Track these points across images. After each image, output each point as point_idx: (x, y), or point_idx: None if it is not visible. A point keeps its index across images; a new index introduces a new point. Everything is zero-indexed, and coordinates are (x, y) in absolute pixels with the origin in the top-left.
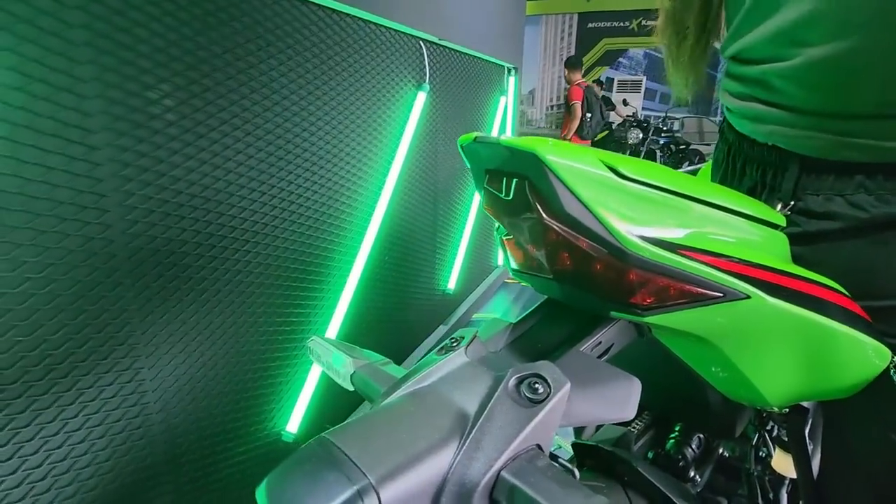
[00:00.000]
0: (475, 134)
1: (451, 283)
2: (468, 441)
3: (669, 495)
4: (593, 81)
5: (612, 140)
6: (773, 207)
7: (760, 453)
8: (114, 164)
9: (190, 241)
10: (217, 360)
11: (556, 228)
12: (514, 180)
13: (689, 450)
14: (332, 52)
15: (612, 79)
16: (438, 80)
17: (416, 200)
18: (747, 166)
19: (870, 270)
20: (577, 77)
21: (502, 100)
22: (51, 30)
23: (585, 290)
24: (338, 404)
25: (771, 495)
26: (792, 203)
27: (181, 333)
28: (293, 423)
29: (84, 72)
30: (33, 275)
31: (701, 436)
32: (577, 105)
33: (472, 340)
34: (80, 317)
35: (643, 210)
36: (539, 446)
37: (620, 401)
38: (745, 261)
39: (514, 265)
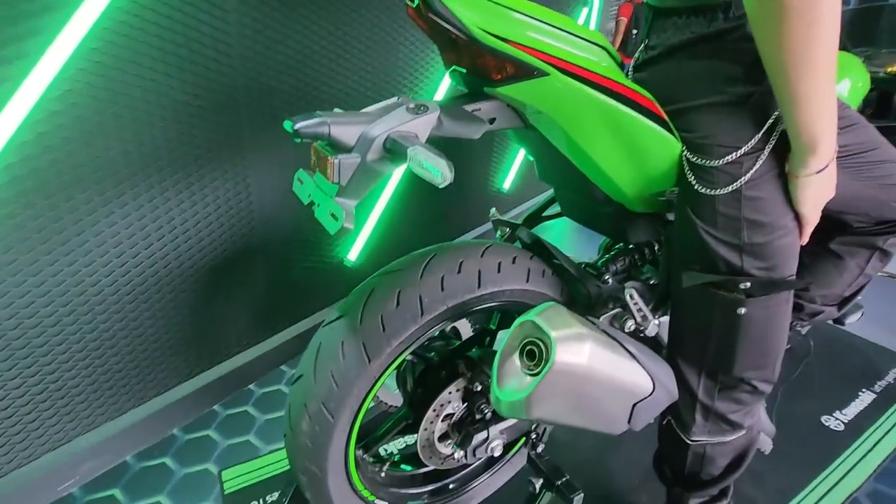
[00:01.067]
0: None
1: (507, 184)
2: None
3: (566, 265)
4: None
5: None
6: (639, 49)
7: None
8: (241, 25)
9: (289, 89)
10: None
11: (439, 23)
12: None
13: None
14: None
15: None
16: None
17: None
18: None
19: (671, 81)
20: None
21: (584, 11)
22: None
23: (471, 74)
24: (389, 241)
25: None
26: (645, 41)
27: (279, 157)
28: (353, 253)
29: None
30: (190, 92)
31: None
32: (623, 22)
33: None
34: (211, 126)
35: (492, 17)
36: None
37: (468, 125)
38: (549, 52)
39: (447, 68)
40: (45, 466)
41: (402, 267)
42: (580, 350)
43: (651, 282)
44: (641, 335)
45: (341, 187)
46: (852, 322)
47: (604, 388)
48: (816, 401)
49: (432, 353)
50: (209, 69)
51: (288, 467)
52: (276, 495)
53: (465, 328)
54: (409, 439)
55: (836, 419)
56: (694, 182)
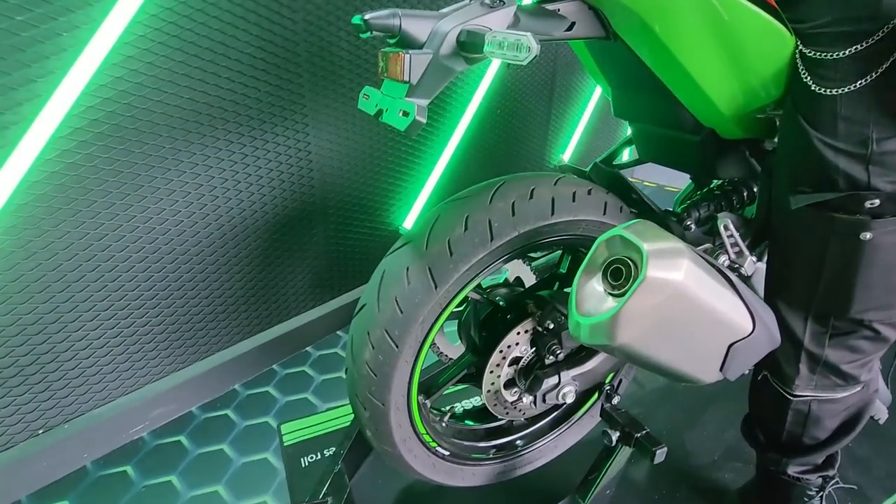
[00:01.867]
0: None
1: (566, 156)
2: (451, 14)
3: (647, 201)
4: None
5: None
6: None
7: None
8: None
9: (349, 48)
10: (363, 151)
11: None
12: None
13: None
14: None
15: None
16: None
17: (532, 72)
18: None
19: None
20: None
21: None
22: None
23: None
24: None
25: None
26: None
27: (339, 119)
28: (408, 222)
29: None
30: (255, 45)
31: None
32: None
33: None
34: (273, 81)
35: None
36: (488, 28)
37: (546, 22)
38: None
39: None
40: (118, 409)
41: (470, 194)
42: (676, 266)
43: (747, 218)
44: (737, 275)
45: (412, 86)
46: None
47: (699, 317)
48: None
49: (498, 298)
50: (273, 22)
51: (346, 423)
52: (333, 449)
53: (530, 277)
54: (474, 397)
55: None
56: (810, 82)
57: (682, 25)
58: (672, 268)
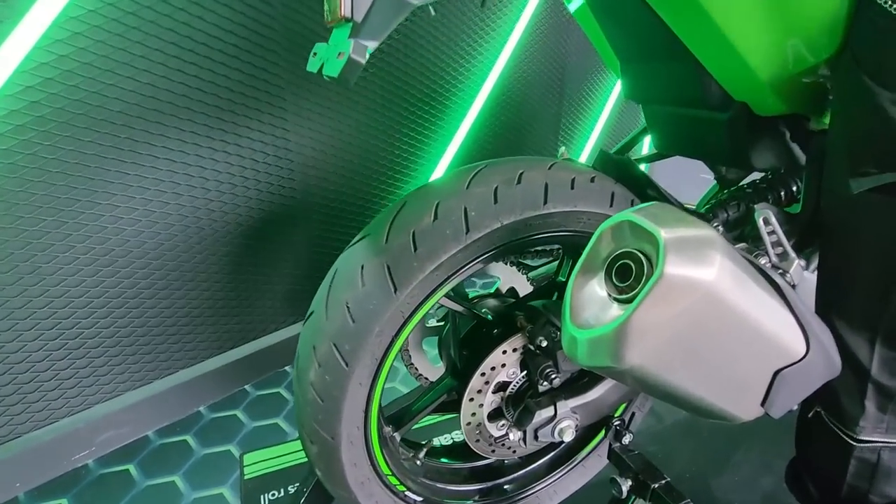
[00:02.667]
0: None
1: (582, 158)
2: None
3: (664, 195)
4: None
5: None
6: None
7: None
8: None
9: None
10: (351, 146)
11: None
12: None
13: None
14: None
15: None
16: None
17: (542, 65)
18: None
19: None
20: None
21: None
22: None
23: None
24: None
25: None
26: None
27: (325, 112)
28: None
29: None
30: (225, 28)
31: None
32: None
33: None
34: (246, 69)
35: None
36: None
37: None
38: None
39: None
40: (62, 432)
41: (446, 178)
42: (705, 259)
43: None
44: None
45: (356, 25)
46: None
47: (735, 332)
48: None
49: (485, 310)
50: (245, 2)
51: None
52: (296, 488)
53: (525, 287)
54: (455, 431)
55: None
56: (875, 26)
57: None
58: (699, 262)
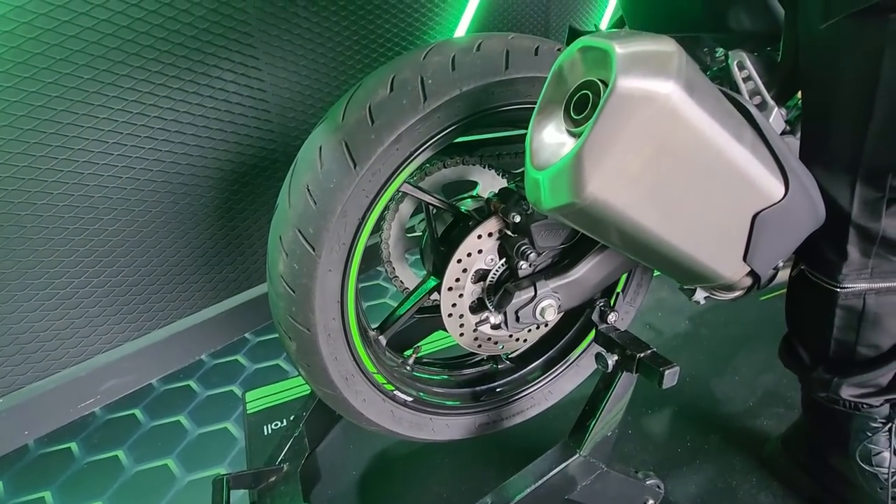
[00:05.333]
0: None
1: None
2: None
3: None
4: None
5: None
6: None
7: None
8: None
9: None
10: (330, 84)
11: None
12: None
13: None
14: None
15: None
16: None
17: None
18: None
19: None
20: None
21: None
22: None
23: None
24: None
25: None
26: None
27: (298, 51)
28: None
29: None
30: None
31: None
32: None
33: None
34: (206, 10)
35: None
36: None
37: None
38: None
39: None
40: (64, 381)
41: (400, 56)
42: (661, 70)
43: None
44: None
45: None
46: None
47: (704, 160)
48: None
49: (460, 205)
50: None
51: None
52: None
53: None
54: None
55: None
56: None
57: None
58: (655, 74)
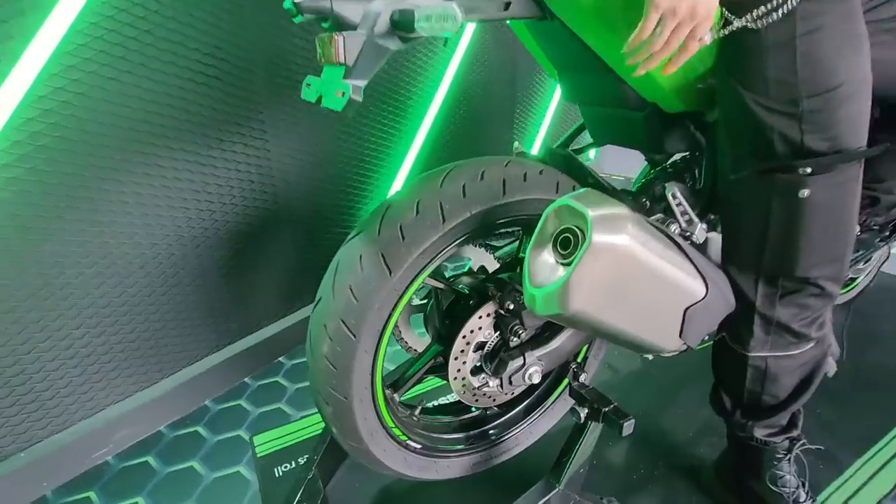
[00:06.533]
0: None
1: (534, 149)
2: None
3: (601, 181)
4: None
5: None
6: None
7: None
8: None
9: (304, 53)
10: (326, 153)
11: None
12: None
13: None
14: None
15: None
16: None
17: (492, 67)
18: None
19: None
20: None
21: None
22: None
23: None
24: None
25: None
26: None
27: (298, 125)
28: None
29: None
30: (208, 53)
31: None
32: None
33: None
34: (228, 90)
35: None
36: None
37: (480, 2)
38: None
39: None
40: (79, 433)
41: (421, 180)
42: (620, 228)
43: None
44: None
45: (348, 68)
46: None
47: (649, 280)
48: (890, 349)
49: (461, 286)
50: (223, 30)
51: (320, 430)
52: (307, 457)
53: (493, 264)
54: (444, 396)
55: None
56: (733, 21)
57: (614, 1)
58: (616, 230)
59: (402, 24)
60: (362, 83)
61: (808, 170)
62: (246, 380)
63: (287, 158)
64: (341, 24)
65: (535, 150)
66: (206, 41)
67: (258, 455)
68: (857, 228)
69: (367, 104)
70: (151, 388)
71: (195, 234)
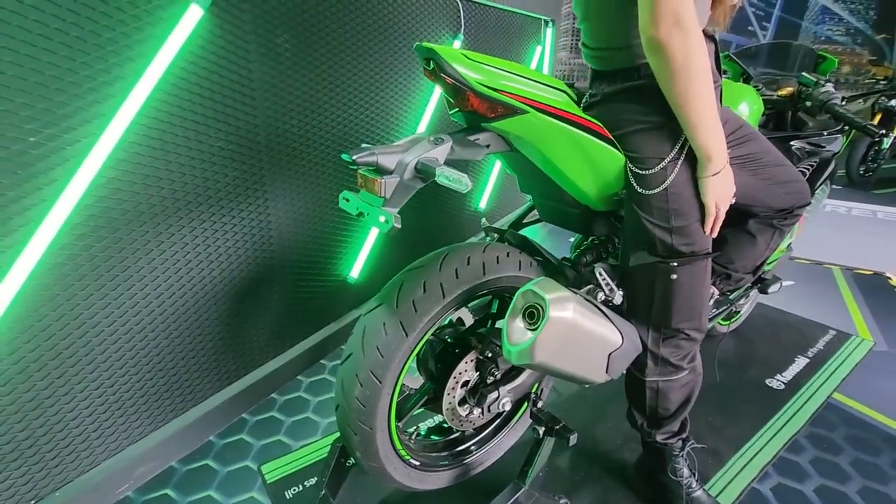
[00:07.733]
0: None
1: (483, 203)
2: (410, 150)
3: (548, 258)
4: None
5: None
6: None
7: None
8: (262, 82)
9: (300, 133)
10: (314, 216)
11: (449, 80)
12: (432, 62)
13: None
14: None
15: None
16: (473, 34)
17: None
18: None
19: (611, 116)
20: None
21: (538, 49)
22: None
23: (468, 113)
24: (384, 259)
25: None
26: (590, 91)
27: (296, 192)
28: (355, 271)
29: None
30: (222, 138)
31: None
32: None
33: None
34: (236, 166)
35: (486, 74)
36: (436, 159)
37: (472, 150)
38: (527, 96)
39: (451, 110)
40: (105, 472)
41: (424, 264)
42: (567, 307)
43: (614, 264)
44: (610, 305)
45: (385, 200)
46: (774, 291)
47: (585, 337)
48: (761, 367)
49: (447, 337)
50: (237, 119)
51: (323, 455)
52: (314, 479)
53: (468, 318)
54: (436, 417)
55: (778, 380)
56: (635, 185)
57: (557, 148)
58: (565, 309)
59: (424, 172)
60: (396, 210)
61: (675, 263)
62: (244, 415)
63: (284, 221)
64: (381, 170)
65: (483, 202)
66: (224, 130)
67: (269, 481)
68: (717, 294)
69: (347, 175)
70: (163, 427)
71: (206, 289)
